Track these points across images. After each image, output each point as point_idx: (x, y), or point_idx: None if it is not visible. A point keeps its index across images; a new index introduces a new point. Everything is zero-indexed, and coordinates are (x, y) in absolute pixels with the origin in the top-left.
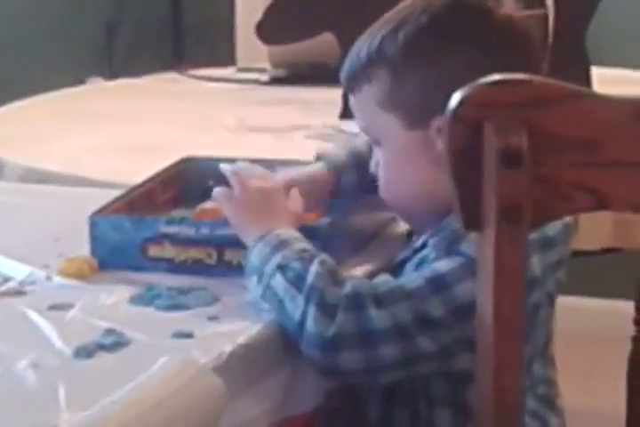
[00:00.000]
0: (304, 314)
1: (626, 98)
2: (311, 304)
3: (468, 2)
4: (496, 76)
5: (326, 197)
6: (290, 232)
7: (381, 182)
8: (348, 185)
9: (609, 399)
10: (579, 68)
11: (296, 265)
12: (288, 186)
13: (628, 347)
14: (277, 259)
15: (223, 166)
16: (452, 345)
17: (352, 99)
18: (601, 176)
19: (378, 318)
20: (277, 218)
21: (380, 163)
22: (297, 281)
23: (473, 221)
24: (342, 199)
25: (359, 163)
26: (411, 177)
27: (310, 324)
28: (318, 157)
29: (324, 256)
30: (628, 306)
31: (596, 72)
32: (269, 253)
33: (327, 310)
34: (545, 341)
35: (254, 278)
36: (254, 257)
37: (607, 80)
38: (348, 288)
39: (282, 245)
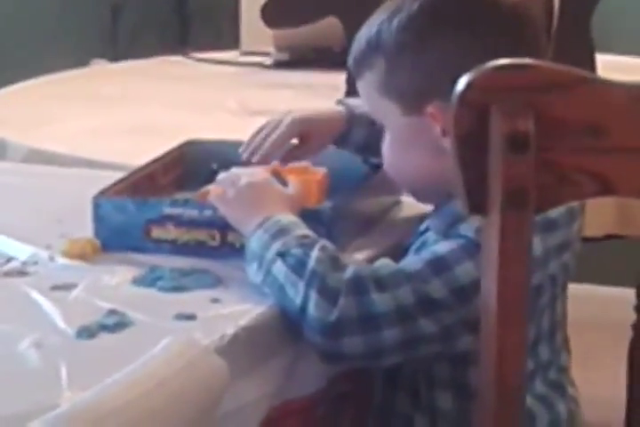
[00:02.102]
0: (305, 300)
1: (632, 83)
2: (312, 290)
3: None
4: (503, 61)
5: (330, 142)
6: (289, 217)
7: (385, 162)
8: (356, 138)
9: (609, 387)
10: (583, 53)
11: (297, 251)
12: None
13: (628, 334)
14: (277, 245)
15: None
16: (453, 326)
17: (358, 85)
18: (607, 161)
19: (380, 301)
20: (274, 206)
21: (384, 144)
22: (298, 267)
23: (478, 205)
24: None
25: (374, 122)
26: (409, 161)
27: (312, 309)
28: (339, 102)
29: (324, 242)
30: (629, 293)
31: (600, 59)
32: (269, 239)
33: (329, 295)
34: (551, 324)
35: (254, 265)
36: (254, 244)
37: (612, 67)
38: (349, 273)
39: (281, 231)
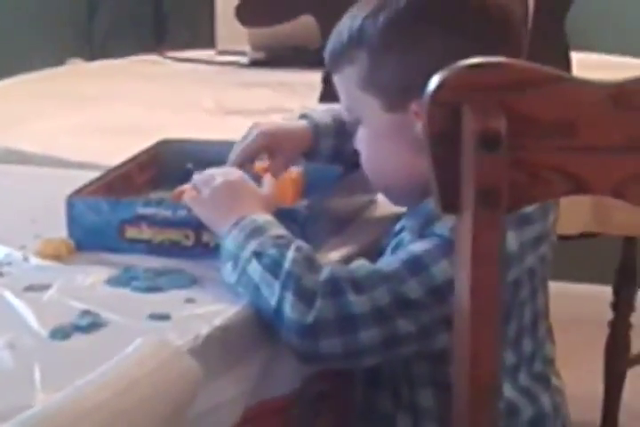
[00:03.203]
0: (281, 300)
1: (604, 82)
2: (288, 291)
3: None
4: (475, 60)
5: (299, 157)
6: (264, 217)
7: (362, 159)
8: (325, 149)
9: (586, 383)
10: (558, 51)
11: (272, 252)
12: (267, 140)
13: (605, 331)
14: (253, 245)
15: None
16: (431, 325)
17: (335, 78)
18: (579, 160)
19: (357, 302)
20: (249, 205)
21: (361, 140)
22: (273, 267)
23: (451, 204)
24: (317, 167)
25: (341, 130)
26: (389, 158)
27: (288, 310)
28: (302, 116)
29: (300, 242)
30: (605, 291)
31: (575, 57)
32: (244, 239)
33: (305, 296)
34: (533, 316)
35: (229, 265)
36: (229, 243)
37: (586, 65)
38: (325, 274)
39: (257, 231)
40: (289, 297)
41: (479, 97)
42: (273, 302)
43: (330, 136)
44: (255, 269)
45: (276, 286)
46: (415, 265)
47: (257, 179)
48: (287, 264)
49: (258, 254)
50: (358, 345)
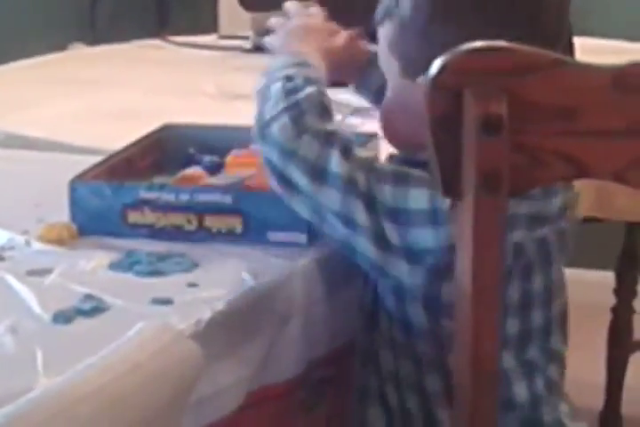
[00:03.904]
0: (275, 117)
1: (605, 66)
2: (285, 114)
3: None
4: (476, 44)
5: (354, 72)
6: (317, 61)
7: (380, 116)
8: (373, 80)
9: (589, 369)
10: None
11: (299, 81)
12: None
13: (608, 317)
14: (289, 71)
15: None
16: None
17: (378, 30)
18: (580, 144)
19: (336, 163)
20: (311, 48)
21: (385, 96)
22: (290, 92)
23: (452, 188)
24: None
25: None
26: (400, 121)
27: (276, 129)
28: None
29: (325, 91)
30: (608, 276)
31: (578, 42)
32: (287, 65)
33: (299, 126)
34: (524, 300)
35: (262, 79)
36: (274, 63)
37: (590, 50)
38: (329, 127)
39: (302, 65)
40: (284, 119)
41: (481, 81)
42: (267, 116)
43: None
44: (277, 87)
45: (281, 105)
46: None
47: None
48: (302, 95)
49: (287, 78)
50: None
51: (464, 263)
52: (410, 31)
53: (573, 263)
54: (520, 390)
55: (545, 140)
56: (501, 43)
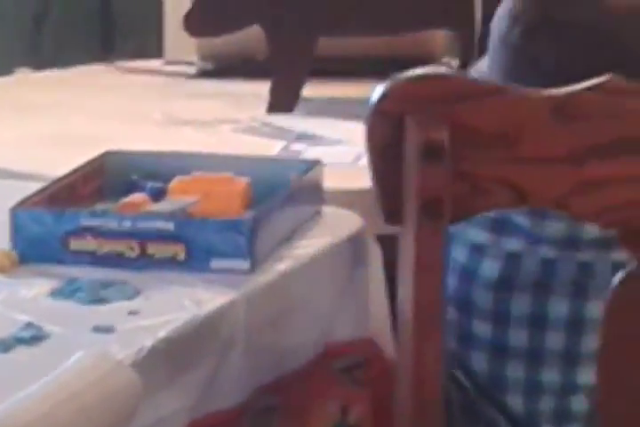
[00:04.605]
0: None
1: (545, 93)
2: None
3: None
4: (418, 71)
5: None
6: None
7: None
8: None
9: None
10: None
11: None
12: None
13: None
14: None
15: None
16: None
17: None
18: (520, 171)
19: None
20: None
21: None
22: None
23: (394, 214)
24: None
25: None
26: None
27: None
28: None
29: None
30: None
31: None
32: None
33: None
34: None
35: None
36: None
37: None
38: None
39: None
40: None
41: (422, 108)
42: None
43: None
44: None
45: None
46: None
47: None
48: None
49: None
50: None
51: (405, 290)
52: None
53: None
54: None
55: (486, 167)
56: (442, 69)
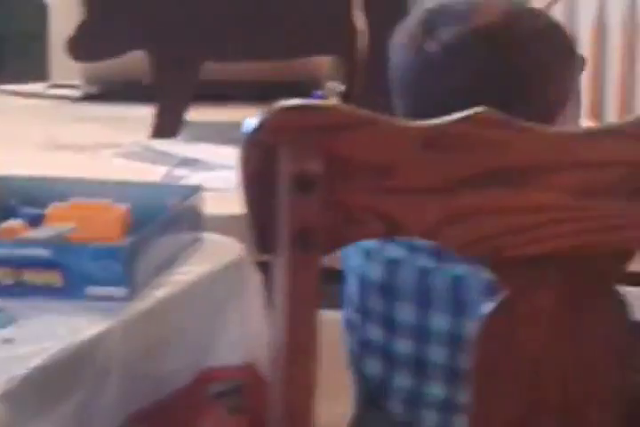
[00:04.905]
0: None
1: (417, 124)
2: None
3: None
4: (292, 101)
5: None
6: None
7: None
8: None
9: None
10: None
11: None
12: None
13: None
14: None
15: None
16: None
17: None
18: (393, 202)
19: None
20: None
21: None
22: None
23: (267, 244)
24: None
25: None
26: None
27: None
28: None
29: None
30: None
31: None
32: None
33: None
34: None
35: None
36: None
37: None
38: None
39: None
40: None
41: (296, 139)
42: None
43: None
44: None
45: None
46: None
47: None
48: None
49: None
50: None
51: (279, 320)
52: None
53: None
54: None
55: (359, 198)
56: (318, 101)
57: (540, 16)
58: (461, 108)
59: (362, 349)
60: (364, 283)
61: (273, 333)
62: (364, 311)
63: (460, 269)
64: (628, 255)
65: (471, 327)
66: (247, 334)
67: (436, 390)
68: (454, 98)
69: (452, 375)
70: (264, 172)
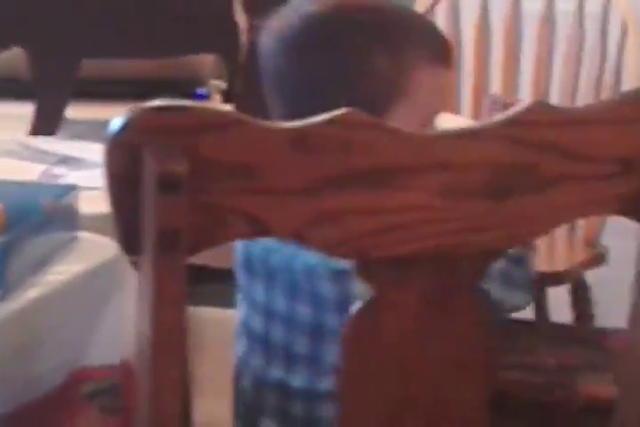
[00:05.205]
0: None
1: (284, 126)
2: None
3: None
4: (157, 102)
5: None
6: None
7: None
8: None
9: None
10: None
11: None
12: None
13: None
14: None
15: None
16: None
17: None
18: (259, 203)
19: None
20: None
21: None
22: None
23: (133, 246)
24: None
25: None
26: None
27: None
28: None
29: None
30: None
31: None
32: None
33: None
34: None
35: None
36: None
37: None
38: None
39: None
40: None
41: (160, 140)
42: None
43: None
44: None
45: None
46: None
47: None
48: None
49: None
50: None
51: (144, 322)
52: None
53: None
54: None
55: (225, 199)
56: (182, 101)
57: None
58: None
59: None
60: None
61: (138, 333)
62: (244, 295)
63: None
64: (492, 256)
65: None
66: (123, 332)
67: (302, 381)
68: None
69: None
70: (129, 172)
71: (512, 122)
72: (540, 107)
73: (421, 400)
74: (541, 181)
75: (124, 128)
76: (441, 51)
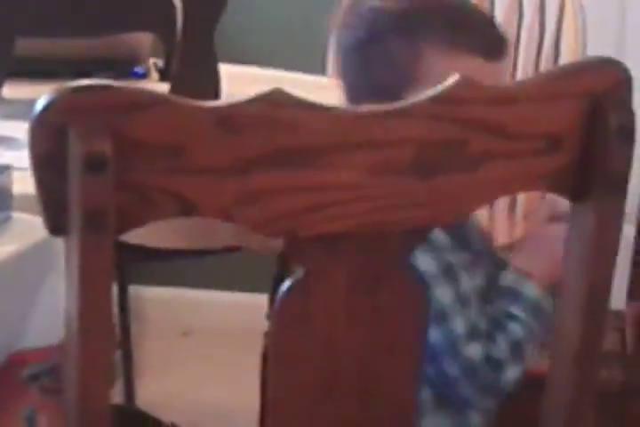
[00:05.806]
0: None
1: (209, 104)
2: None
3: None
4: (82, 82)
5: None
6: None
7: None
8: None
9: (250, 393)
10: (207, 66)
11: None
12: None
13: (260, 341)
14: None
15: None
16: None
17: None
18: (186, 182)
19: None
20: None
21: None
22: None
23: (59, 226)
24: None
25: None
26: None
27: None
28: None
29: None
30: (262, 299)
31: (233, 70)
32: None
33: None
34: None
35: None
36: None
37: (243, 79)
38: None
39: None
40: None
41: (85, 119)
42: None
43: None
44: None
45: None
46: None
47: None
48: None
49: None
50: None
51: (71, 302)
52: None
53: (231, 287)
54: None
55: (152, 178)
56: (107, 81)
57: None
58: None
59: None
60: None
61: (66, 315)
62: None
63: None
64: (420, 234)
65: None
66: (61, 313)
67: None
68: None
69: None
70: (54, 152)
71: (438, 99)
72: (466, 84)
73: (351, 376)
74: (468, 158)
75: (48, 108)
76: (473, 41)
